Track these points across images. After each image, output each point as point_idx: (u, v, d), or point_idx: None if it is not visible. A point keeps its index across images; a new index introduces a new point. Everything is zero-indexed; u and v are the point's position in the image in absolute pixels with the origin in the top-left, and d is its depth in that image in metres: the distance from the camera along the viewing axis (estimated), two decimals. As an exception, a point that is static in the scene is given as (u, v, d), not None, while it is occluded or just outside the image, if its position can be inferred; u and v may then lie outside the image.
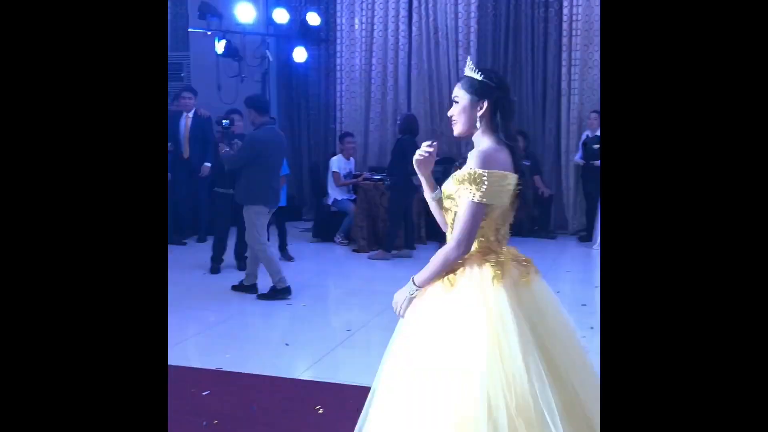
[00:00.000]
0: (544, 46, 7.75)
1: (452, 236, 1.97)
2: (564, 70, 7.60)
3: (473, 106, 2.02)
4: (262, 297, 5.11)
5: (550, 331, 1.94)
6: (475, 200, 1.90)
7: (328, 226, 7.43)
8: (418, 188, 6.56)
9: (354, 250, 6.97)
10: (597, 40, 7.51)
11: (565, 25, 7.58)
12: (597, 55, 7.52)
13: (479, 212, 1.92)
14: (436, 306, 1.96)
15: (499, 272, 1.93)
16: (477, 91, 2.00)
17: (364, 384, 3.35)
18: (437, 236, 7.16)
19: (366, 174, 7.52)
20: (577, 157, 7.52)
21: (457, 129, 2.08)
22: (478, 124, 2.03)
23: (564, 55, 7.61)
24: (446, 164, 7.66)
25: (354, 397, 3.19)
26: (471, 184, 1.91)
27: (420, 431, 1.85)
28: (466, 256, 1.97)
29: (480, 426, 1.76)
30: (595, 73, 7.58)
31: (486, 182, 1.90)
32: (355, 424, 2.90)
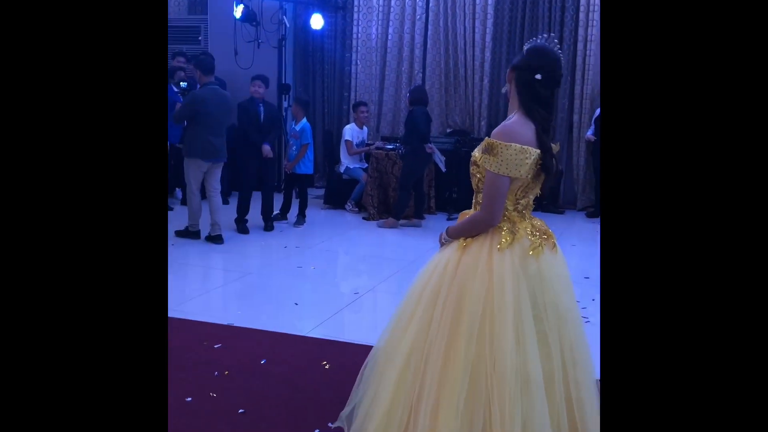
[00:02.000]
0: (561, 20, 7.72)
1: (479, 201, 2.09)
2: (580, 45, 7.58)
3: (509, 81, 2.12)
4: (178, 233, 5.82)
5: (549, 304, 2.02)
6: (492, 170, 2.00)
7: (339, 194, 7.55)
8: (430, 158, 6.65)
9: (364, 218, 7.08)
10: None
11: (582, 0, 7.54)
12: (614, 32, 7.48)
13: (498, 181, 2.00)
14: (447, 265, 2.09)
15: (506, 241, 2.02)
16: (512, 67, 2.11)
17: (369, 343, 3.50)
18: (446, 206, 7.28)
19: (378, 143, 7.60)
20: (589, 133, 7.55)
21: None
22: (510, 99, 2.13)
23: (580, 31, 7.58)
24: (458, 136, 7.76)
25: (358, 355, 3.33)
26: (489, 155, 2.01)
27: (408, 382, 2.03)
28: None
29: (459, 386, 1.92)
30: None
31: (501, 154, 1.98)
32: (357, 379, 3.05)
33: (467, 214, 2.15)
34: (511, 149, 1.97)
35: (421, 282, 2.14)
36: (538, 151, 2.01)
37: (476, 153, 2.09)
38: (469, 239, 2.09)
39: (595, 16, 7.49)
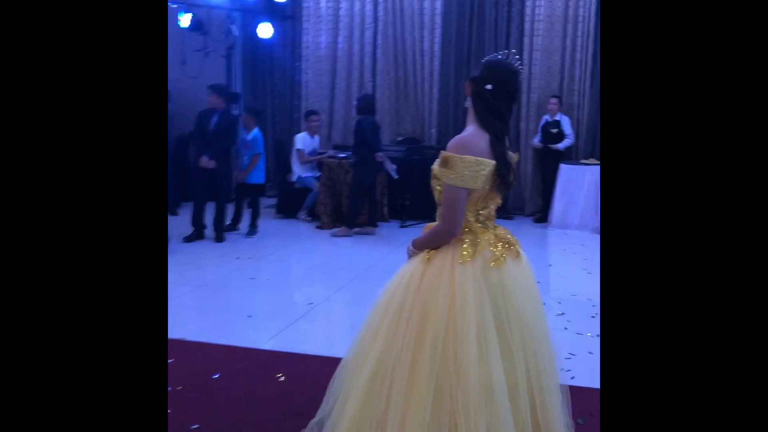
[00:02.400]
0: (507, 30, 7.89)
1: (439, 213, 2.11)
2: (525, 54, 7.76)
3: (468, 94, 2.15)
4: None
5: (512, 314, 2.04)
6: (449, 183, 2.03)
7: (292, 203, 7.53)
8: (381, 166, 6.69)
9: (317, 227, 7.07)
10: (558, 26, 7.68)
11: (527, 11, 7.73)
12: (558, 41, 7.69)
13: (456, 194, 2.03)
14: (412, 278, 2.11)
15: (467, 254, 2.05)
16: (469, 80, 2.14)
17: (325, 354, 3.50)
18: (399, 214, 7.33)
19: (330, 151, 7.60)
20: (536, 140, 7.73)
21: None
22: (469, 111, 2.16)
23: (525, 40, 7.77)
24: (409, 144, 7.83)
25: (314, 366, 3.33)
26: (445, 168, 2.04)
27: (375, 395, 2.03)
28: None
29: (425, 398, 1.94)
30: (556, 58, 7.77)
31: (457, 166, 2.01)
32: (314, 391, 3.05)
33: (431, 227, 2.18)
34: (465, 161, 2.00)
35: (388, 294, 2.16)
36: (494, 162, 2.04)
37: (435, 167, 2.12)
38: (432, 252, 2.11)
39: (541, 26, 7.69)
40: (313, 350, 3.59)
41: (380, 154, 6.59)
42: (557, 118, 7.50)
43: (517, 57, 2.17)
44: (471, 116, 2.13)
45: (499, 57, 2.14)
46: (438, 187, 2.11)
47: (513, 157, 2.16)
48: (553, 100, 7.48)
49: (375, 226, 6.86)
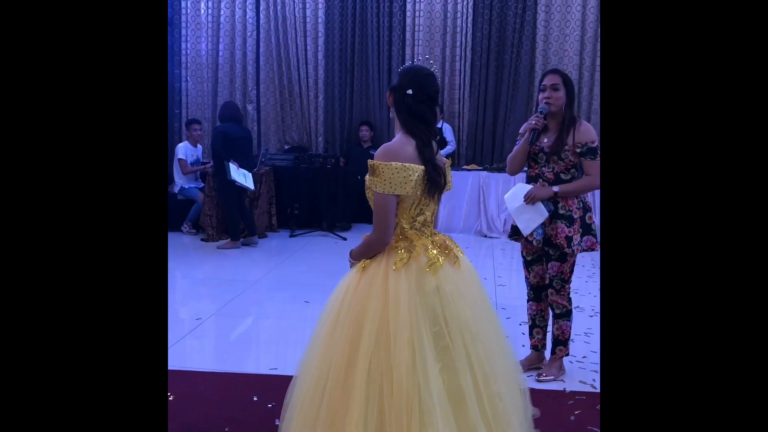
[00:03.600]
0: (389, 39, 8.05)
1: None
2: (408, 63, 7.94)
3: (390, 105, 2.18)
4: None
5: (451, 319, 2.03)
6: (378, 190, 2.05)
7: (175, 215, 7.25)
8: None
9: (203, 239, 6.86)
10: (438, 36, 7.94)
11: (408, 21, 7.93)
12: (438, 51, 7.95)
13: (384, 201, 2.05)
14: (348, 288, 2.11)
15: (401, 260, 2.05)
16: (389, 90, 2.18)
17: (215, 370, 3.40)
18: (288, 224, 7.26)
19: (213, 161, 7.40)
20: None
21: None
22: (395, 121, 2.19)
23: (407, 50, 7.96)
24: (297, 153, 7.79)
25: (203, 382, 3.23)
26: (373, 177, 2.05)
27: (315, 404, 2.01)
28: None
29: (360, 404, 1.93)
30: (436, 68, 7.96)
31: (383, 174, 2.02)
32: (205, 407, 2.97)
33: (367, 236, 2.18)
34: (392, 168, 2.02)
35: (327, 307, 2.14)
36: (422, 167, 2.06)
37: (367, 177, 2.13)
38: (368, 261, 2.11)
39: (421, 35, 7.91)
40: (202, 366, 3.48)
41: (228, 163, 6.29)
42: (439, 125, 7.74)
43: (431, 62, 2.24)
44: (397, 125, 2.17)
45: (413, 63, 2.20)
46: (371, 197, 2.12)
47: (444, 161, 2.20)
48: (436, 109, 7.70)
49: (256, 235, 6.73)
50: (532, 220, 3.16)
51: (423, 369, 1.94)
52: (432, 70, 2.19)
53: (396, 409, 1.91)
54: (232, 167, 6.31)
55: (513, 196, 3.25)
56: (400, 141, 2.10)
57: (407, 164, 2.04)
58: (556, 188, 3.11)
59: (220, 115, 6.50)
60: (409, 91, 2.10)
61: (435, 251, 2.10)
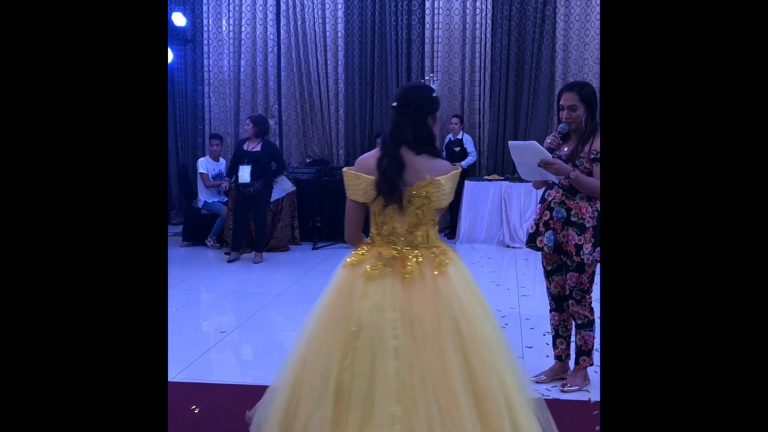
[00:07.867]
0: (408, 52, 8.10)
1: None
2: (427, 77, 7.96)
3: None
4: None
5: (416, 322, 2.05)
6: (347, 195, 2.25)
7: (198, 230, 7.32)
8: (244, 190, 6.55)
9: (226, 253, 6.92)
10: (457, 47, 7.97)
11: (427, 33, 7.97)
12: (457, 62, 7.97)
13: (348, 205, 2.26)
14: (329, 289, 2.25)
15: (352, 260, 2.21)
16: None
17: (239, 382, 3.43)
18: (311, 236, 7.29)
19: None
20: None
21: None
22: None
23: (427, 62, 8.00)
24: (318, 166, 7.84)
25: (228, 395, 3.26)
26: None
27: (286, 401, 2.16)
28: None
29: (325, 404, 2.03)
30: (456, 79, 8.04)
31: (345, 180, 2.24)
32: (230, 420, 2.99)
33: None
34: (348, 175, 2.22)
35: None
36: (372, 177, 2.16)
37: None
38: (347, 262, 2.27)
39: (440, 47, 7.94)
40: (226, 379, 3.51)
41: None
42: (459, 136, 7.74)
43: (436, 80, 2.32)
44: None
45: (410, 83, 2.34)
46: None
47: (426, 177, 2.13)
48: (455, 120, 7.72)
49: (260, 250, 6.63)
50: (534, 174, 3.16)
51: (326, 364, 2.05)
52: (425, 84, 2.29)
53: (308, 401, 2.07)
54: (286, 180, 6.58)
55: (521, 149, 3.13)
56: (371, 152, 2.25)
57: (358, 173, 2.19)
58: (574, 172, 3.05)
59: (262, 129, 6.53)
60: (394, 104, 2.23)
61: (379, 264, 2.13)
